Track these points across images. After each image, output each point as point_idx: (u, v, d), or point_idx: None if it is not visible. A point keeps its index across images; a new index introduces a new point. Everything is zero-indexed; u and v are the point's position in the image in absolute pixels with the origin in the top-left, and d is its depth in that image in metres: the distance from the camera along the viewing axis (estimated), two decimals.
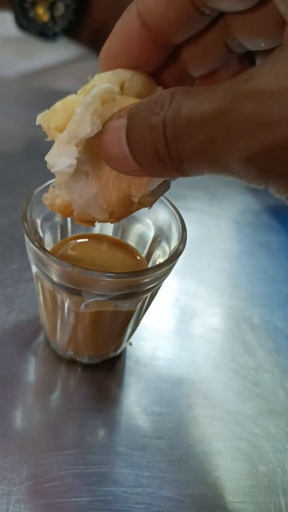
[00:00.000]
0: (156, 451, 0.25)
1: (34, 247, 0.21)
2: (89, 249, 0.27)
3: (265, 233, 0.42)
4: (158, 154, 0.14)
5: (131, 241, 0.28)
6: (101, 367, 0.29)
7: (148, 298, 0.24)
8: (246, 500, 0.24)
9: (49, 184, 0.24)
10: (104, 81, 0.17)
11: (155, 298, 0.26)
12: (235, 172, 0.13)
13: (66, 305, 0.23)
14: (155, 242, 0.26)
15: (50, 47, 0.53)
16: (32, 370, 0.28)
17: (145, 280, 0.22)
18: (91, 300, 0.22)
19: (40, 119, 0.19)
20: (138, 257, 0.27)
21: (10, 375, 0.27)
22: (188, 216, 0.39)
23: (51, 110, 0.18)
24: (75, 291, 0.22)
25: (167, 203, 0.25)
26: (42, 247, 0.21)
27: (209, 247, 0.40)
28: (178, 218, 0.24)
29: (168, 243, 0.25)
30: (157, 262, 0.25)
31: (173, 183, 0.20)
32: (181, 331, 0.32)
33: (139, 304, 0.24)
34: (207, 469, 0.25)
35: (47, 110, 0.18)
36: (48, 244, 0.26)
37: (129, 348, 0.30)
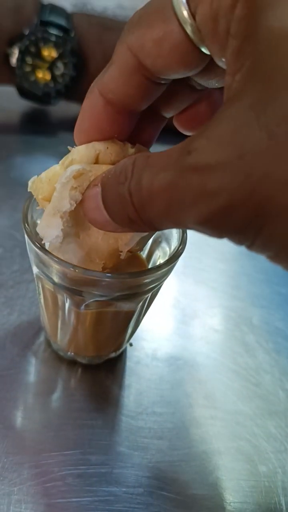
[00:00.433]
0: (156, 452, 0.25)
1: (35, 247, 0.21)
2: None
3: None
4: (130, 218, 0.16)
5: None
6: (101, 368, 0.29)
7: (148, 299, 0.25)
8: (247, 501, 0.24)
9: None
10: (80, 154, 0.19)
11: (155, 298, 0.26)
12: (196, 230, 0.15)
13: (67, 305, 0.23)
14: (156, 243, 0.26)
15: None
16: (33, 370, 0.28)
17: (146, 281, 0.22)
18: (92, 300, 0.22)
19: (30, 185, 0.21)
20: (138, 258, 0.27)
21: (11, 375, 0.27)
22: None
23: (38, 181, 0.20)
24: (76, 292, 0.22)
25: None
26: (43, 248, 0.21)
27: (209, 249, 0.40)
28: None
29: (168, 244, 0.25)
30: (157, 263, 0.25)
31: None
32: (181, 332, 0.32)
33: (140, 305, 0.24)
34: (207, 470, 0.25)
35: (36, 176, 0.20)
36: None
37: (129, 349, 0.30)
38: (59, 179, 0.19)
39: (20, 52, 0.46)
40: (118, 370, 0.29)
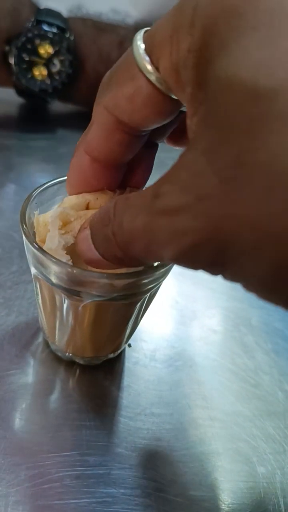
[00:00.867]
0: (155, 453, 0.25)
1: (32, 248, 0.21)
2: None
3: None
4: (118, 256, 0.18)
5: None
6: (100, 369, 0.29)
7: (147, 299, 0.24)
8: (245, 502, 0.24)
9: (48, 185, 0.24)
10: (71, 204, 0.21)
11: (154, 299, 0.26)
12: (175, 263, 0.16)
13: (65, 306, 0.23)
14: None
15: None
16: (31, 371, 0.28)
17: (144, 281, 0.22)
18: (90, 300, 0.22)
19: (35, 222, 0.23)
20: None
21: (9, 376, 0.27)
22: None
23: (36, 222, 0.22)
24: (73, 292, 0.22)
25: None
26: (41, 248, 0.21)
27: None
28: None
29: None
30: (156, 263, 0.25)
31: None
32: (180, 332, 0.32)
33: (138, 305, 0.24)
34: (206, 471, 0.25)
35: (37, 213, 0.23)
36: None
37: (128, 350, 0.30)
38: (49, 218, 0.21)
39: (17, 48, 0.46)
40: (116, 371, 0.29)
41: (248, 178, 0.13)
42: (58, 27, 0.47)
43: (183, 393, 0.28)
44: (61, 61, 0.47)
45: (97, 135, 0.19)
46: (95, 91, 0.19)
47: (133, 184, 0.22)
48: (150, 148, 0.21)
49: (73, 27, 0.48)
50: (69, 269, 0.20)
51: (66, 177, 0.22)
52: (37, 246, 0.21)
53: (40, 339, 0.30)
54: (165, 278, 0.23)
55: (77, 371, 0.28)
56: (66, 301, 0.23)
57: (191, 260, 0.15)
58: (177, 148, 0.21)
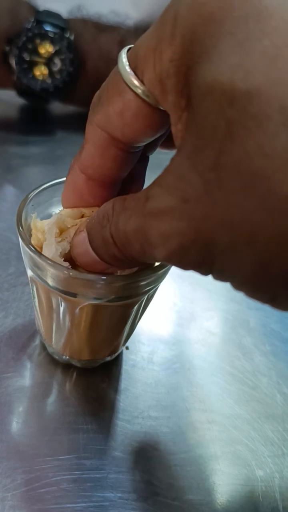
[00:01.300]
0: (152, 456, 0.25)
1: (29, 250, 0.21)
2: None
3: None
4: (116, 257, 0.18)
5: None
6: (97, 372, 0.28)
7: (144, 301, 0.24)
8: (244, 506, 0.24)
9: (45, 187, 0.24)
10: (67, 215, 0.21)
11: (151, 301, 0.26)
12: (167, 263, 0.17)
13: (62, 308, 0.23)
14: None
15: None
16: (27, 374, 0.28)
17: (141, 283, 0.22)
18: (87, 303, 0.22)
19: (32, 224, 0.23)
20: None
21: (5, 379, 0.27)
22: None
23: (33, 227, 0.23)
24: (70, 294, 0.22)
25: None
26: (37, 251, 0.21)
27: None
28: None
29: None
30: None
31: None
32: (177, 335, 0.32)
33: (135, 307, 0.24)
34: (204, 474, 0.25)
35: (35, 216, 0.23)
36: None
37: (125, 352, 0.30)
38: (45, 226, 0.22)
39: (17, 48, 0.46)
40: (113, 374, 0.29)
41: (225, 179, 0.13)
42: (58, 27, 0.47)
43: (181, 396, 0.28)
44: (62, 60, 0.47)
45: (91, 153, 0.19)
46: (96, 90, 0.19)
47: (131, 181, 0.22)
48: (141, 161, 0.21)
49: (73, 27, 0.48)
50: (66, 271, 0.20)
51: (63, 179, 0.22)
52: (33, 249, 0.21)
53: (37, 341, 0.29)
54: (162, 280, 0.23)
55: (74, 374, 0.28)
56: (62, 303, 0.23)
57: (180, 261, 0.15)
58: (172, 150, 0.21)
